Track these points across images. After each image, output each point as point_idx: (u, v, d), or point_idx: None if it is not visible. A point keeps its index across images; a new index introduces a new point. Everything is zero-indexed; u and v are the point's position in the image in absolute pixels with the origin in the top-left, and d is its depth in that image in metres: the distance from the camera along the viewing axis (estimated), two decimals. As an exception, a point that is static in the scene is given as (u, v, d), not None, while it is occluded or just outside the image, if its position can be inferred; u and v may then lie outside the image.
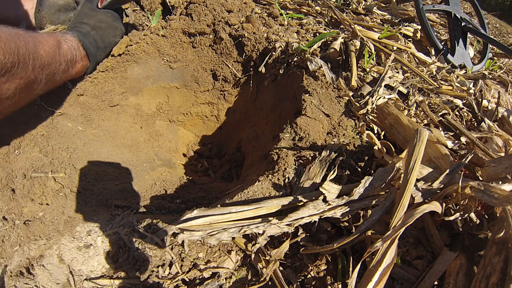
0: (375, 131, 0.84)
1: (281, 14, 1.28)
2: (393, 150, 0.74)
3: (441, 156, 0.68)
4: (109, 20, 0.84)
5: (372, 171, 0.72)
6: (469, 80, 1.23)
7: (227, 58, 1.15)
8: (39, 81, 0.59)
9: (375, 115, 0.85)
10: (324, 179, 0.66)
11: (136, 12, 1.03)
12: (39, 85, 0.60)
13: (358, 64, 1.03)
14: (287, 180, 0.69)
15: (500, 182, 0.60)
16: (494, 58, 1.65)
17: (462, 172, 0.65)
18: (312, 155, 0.74)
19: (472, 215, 0.61)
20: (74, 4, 0.82)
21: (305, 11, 1.42)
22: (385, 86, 0.97)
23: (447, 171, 0.60)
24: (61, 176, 0.72)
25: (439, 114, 0.96)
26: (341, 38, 1.12)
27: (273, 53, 1.09)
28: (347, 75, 0.98)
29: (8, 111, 0.58)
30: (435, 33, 1.42)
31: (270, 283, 0.56)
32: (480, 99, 1.09)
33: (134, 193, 0.83)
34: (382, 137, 0.83)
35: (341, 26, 1.33)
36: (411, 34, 1.41)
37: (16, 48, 0.48)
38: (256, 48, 1.11)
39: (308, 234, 0.62)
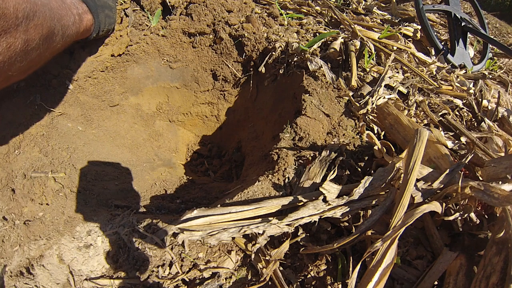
0: (375, 131, 0.84)
1: (281, 14, 1.28)
2: (393, 150, 0.74)
3: (441, 156, 0.68)
4: None
5: (372, 171, 0.72)
6: (469, 80, 1.23)
7: (227, 58, 1.15)
8: (57, 33, 0.63)
9: (375, 115, 0.85)
10: (324, 179, 0.66)
11: (136, 12, 1.03)
12: (57, 37, 0.64)
13: (358, 64, 1.03)
14: (287, 180, 0.69)
15: (500, 182, 0.60)
16: (494, 58, 1.64)
17: (462, 172, 0.65)
18: (312, 155, 0.74)
19: (472, 215, 0.61)
20: None
21: (305, 11, 1.42)
22: (385, 86, 0.97)
23: (447, 171, 0.60)
24: (61, 176, 0.72)
25: (439, 114, 0.96)
26: (341, 38, 1.12)
27: (273, 53, 1.09)
28: (347, 75, 0.98)
29: (34, 65, 0.62)
30: (435, 33, 1.42)
31: (270, 283, 0.56)
32: (480, 99, 1.09)
33: (134, 193, 0.83)
34: (382, 137, 0.83)
35: (341, 26, 1.33)
36: (411, 34, 1.41)
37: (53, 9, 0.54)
38: (256, 48, 1.11)
39: (308, 234, 0.62)
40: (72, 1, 0.73)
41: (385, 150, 0.74)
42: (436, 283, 0.53)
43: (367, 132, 0.81)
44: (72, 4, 0.73)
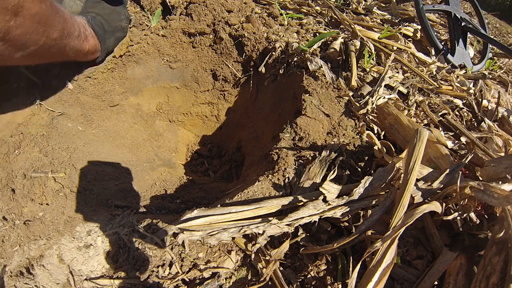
0: (375, 131, 0.84)
1: (281, 14, 1.28)
2: (393, 150, 0.74)
3: (441, 156, 0.68)
4: (112, 6, 0.90)
5: (372, 171, 0.72)
6: (469, 80, 1.23)
7: (227, 58, 1.15)
8: (57, 25, 0.66)
9: (375, 115, 0.85)
10: (324, 179, 0.66)
11: (136, 12, 1.03)
12: (55, 30, 0.66)
13: (358, 64, 1.03)
14: (287, 180, 0.69)
15: (500, 182, 0.59)
16: (494, 58, 1.64)
17: (462, 172, 0.65)
18: (312, 155, 0.74)
19: (472, 215, 0.61)
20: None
21: (305, 11, 1.42)
22: (385, 86, 0.97)
23: (447, 171, 0.60)
24: (61, 176, 0.72)
25: (439, 114, 0.96)
26: (341, 38, 1.12)
27: (273, 53, 1.09)
28: (347, 75, 0.98)
29: (52, 53, 0.65)
30: (435, 33, 1.42)
31: (270, 283, 0.56)
32: (480, 99, 1.09)
33: (134, 193, 0.83)
34: (382, 137, 0.83)
35: (341, 26, 1.33)
36: (411, 34, 1.41)
37: (53, 3, 0.58)
38: (256, 48, 1.11)
39: (308, 234, 0.62)
40: (81, 21, 0.75)
41: (385, 150, 0.74)
42: (436, 283, 0.53)
43: (367, 132, 0.81)
44: (81, 23, 0.74)
